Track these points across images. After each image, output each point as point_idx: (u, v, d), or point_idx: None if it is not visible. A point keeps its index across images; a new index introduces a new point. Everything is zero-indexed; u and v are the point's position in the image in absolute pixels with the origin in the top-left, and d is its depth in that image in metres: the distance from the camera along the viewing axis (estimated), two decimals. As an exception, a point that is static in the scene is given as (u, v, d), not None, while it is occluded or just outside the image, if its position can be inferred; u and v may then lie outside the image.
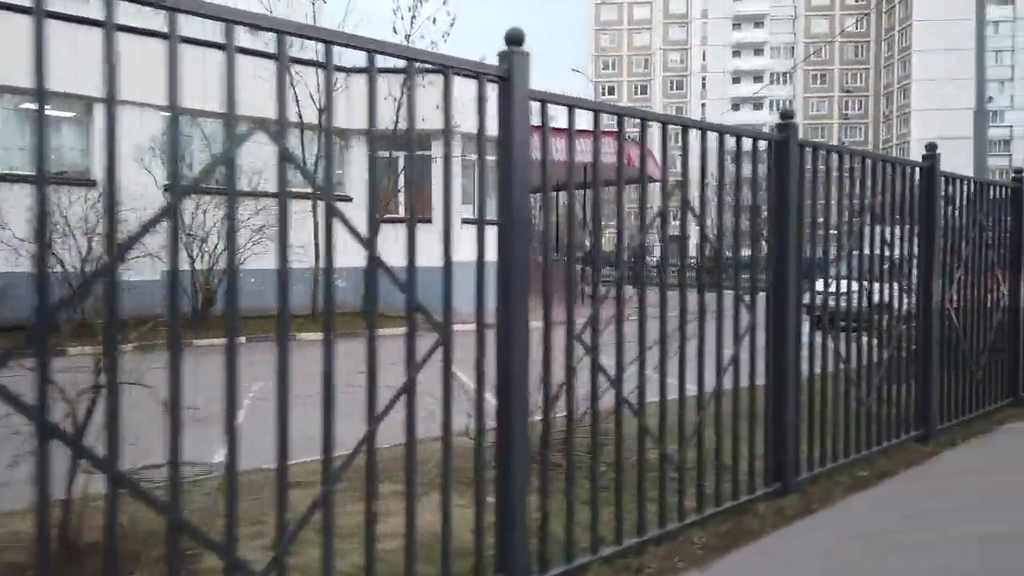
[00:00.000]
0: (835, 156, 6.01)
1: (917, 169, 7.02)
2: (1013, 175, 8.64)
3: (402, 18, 19.75)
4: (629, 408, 4.33)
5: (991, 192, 8.13)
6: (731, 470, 5.10)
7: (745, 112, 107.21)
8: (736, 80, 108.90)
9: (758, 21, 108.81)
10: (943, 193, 7.20)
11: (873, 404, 6.41)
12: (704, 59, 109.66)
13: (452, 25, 19.80)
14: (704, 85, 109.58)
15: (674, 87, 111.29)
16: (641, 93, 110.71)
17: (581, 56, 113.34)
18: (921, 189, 7.00)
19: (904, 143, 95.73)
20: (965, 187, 7.60)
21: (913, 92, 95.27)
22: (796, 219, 5.41)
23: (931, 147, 7.07)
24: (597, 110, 4.15)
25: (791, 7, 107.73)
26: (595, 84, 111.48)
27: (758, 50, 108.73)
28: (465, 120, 3.64)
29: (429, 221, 10.58)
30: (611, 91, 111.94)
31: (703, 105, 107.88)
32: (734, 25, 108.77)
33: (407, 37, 19.70)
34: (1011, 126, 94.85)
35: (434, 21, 19.92)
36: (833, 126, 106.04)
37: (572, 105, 3.99)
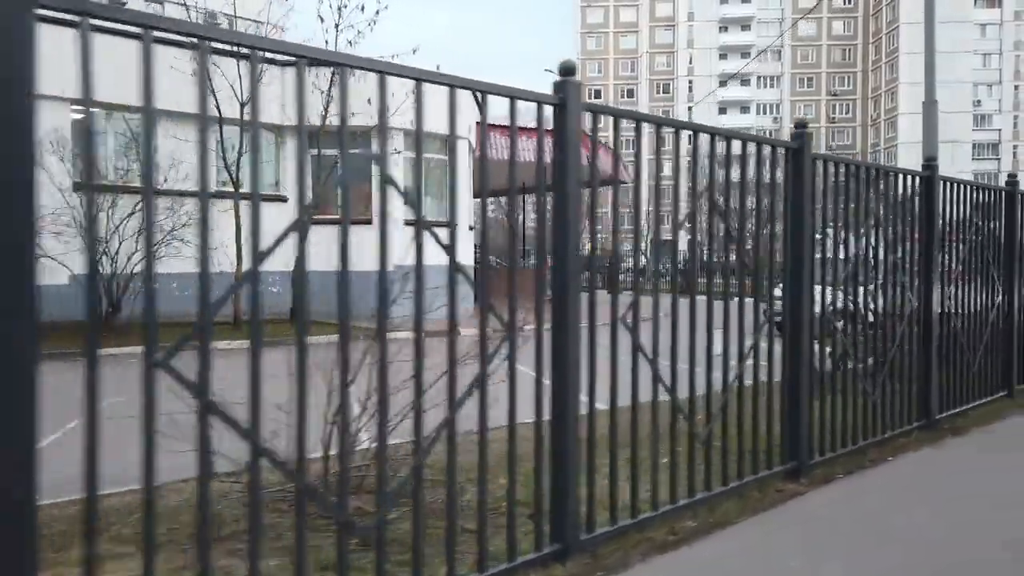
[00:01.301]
0: (666, 131, 4.79)
1: (783, 150, 5.83)
2: (923, 163, 7.49)
3: (331, 6, 18.65)
4: (272, 462, 3.12)
5: (893, 182, 6.96)
6: (503, 527, 3.92)
7: (732, 115, 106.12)
8: (723, 83, 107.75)
9: (745, 24, 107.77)
10: (823, 182, 6.04)
11: (714, 435, 5.23)
12: (691, 62, 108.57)
13: (378, 13, 18.65)
14: (691, 88, 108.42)
15: (660, 90, 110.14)
16: (628, 96, 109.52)
17: (567, 59, 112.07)
18: (788, 176, 5.82)
19: (892, 146, 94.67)
20: (855, 175, 6.42)
21: (900, 95, 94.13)
22: (575, 205, 4.20)
23: (801, 124, 5.89)
24: (200, 37, 2.92)
25: (778, 10, 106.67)
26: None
27: (745, 53, 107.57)
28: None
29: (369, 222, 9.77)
30: (597, 95, 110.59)
31: (689, 108, 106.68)
32: (720, 28, 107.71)
33: (336, 26, 18.63)
34: (999, 129, 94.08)
35: (362, 9, 18.88)
36: (821, 130, 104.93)
37: (145, 26, 2.77)
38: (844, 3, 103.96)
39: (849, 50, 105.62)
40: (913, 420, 7.21)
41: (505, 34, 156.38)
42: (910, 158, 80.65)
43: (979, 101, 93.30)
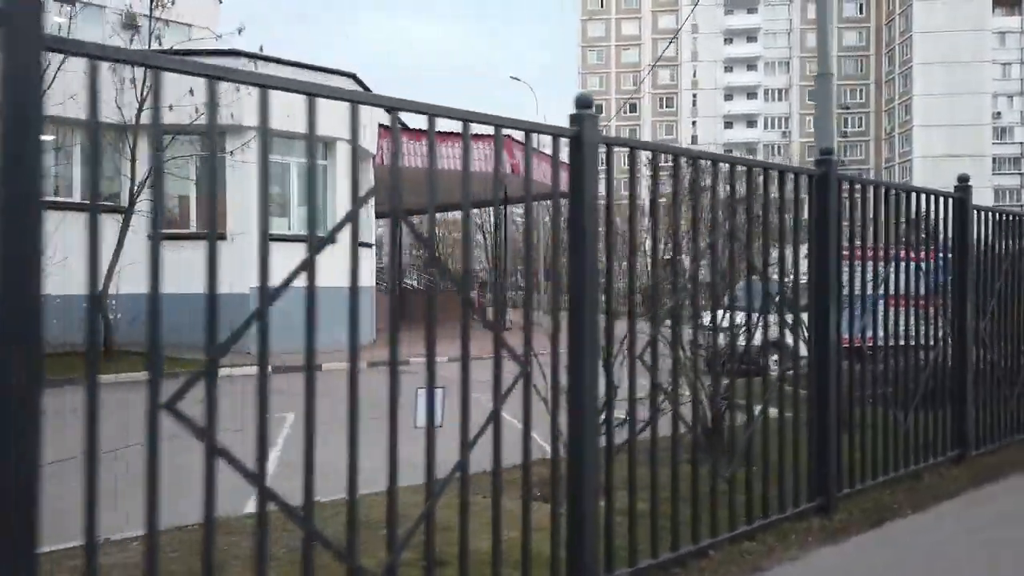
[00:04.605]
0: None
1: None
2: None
3: None
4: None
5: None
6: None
7: (739, 129, 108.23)
8: (728, 97, 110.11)
9: (751, 35, 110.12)
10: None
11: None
12: (695, 75, 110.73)
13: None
14: (695, 103, 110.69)
15: (664, 104, 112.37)
16: (631, 111, 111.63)
17: (570, 73, 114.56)
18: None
19: (907, 161, 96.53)
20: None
21: (915, 108, 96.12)
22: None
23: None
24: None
25: (786, 20, 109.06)
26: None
27: (751, 65, 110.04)
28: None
29: (223, 238, 9.64)
30: (599, 109, 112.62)
31: (694, 123, 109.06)
32: (726, 40, 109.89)
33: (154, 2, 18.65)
34: (1021, 143, 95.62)
35: None
36: (832, 144, 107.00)
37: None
38: (856, 13, 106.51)
39: (861, 61, 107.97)
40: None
41: (508, 47, 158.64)
42: (926, 173, 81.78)
43: (999, 113, 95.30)
